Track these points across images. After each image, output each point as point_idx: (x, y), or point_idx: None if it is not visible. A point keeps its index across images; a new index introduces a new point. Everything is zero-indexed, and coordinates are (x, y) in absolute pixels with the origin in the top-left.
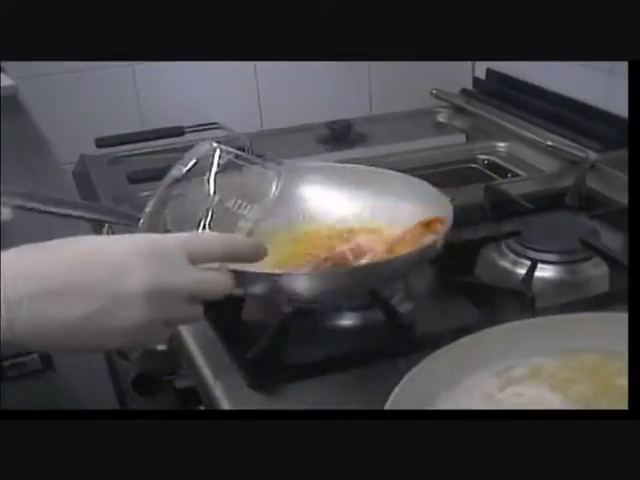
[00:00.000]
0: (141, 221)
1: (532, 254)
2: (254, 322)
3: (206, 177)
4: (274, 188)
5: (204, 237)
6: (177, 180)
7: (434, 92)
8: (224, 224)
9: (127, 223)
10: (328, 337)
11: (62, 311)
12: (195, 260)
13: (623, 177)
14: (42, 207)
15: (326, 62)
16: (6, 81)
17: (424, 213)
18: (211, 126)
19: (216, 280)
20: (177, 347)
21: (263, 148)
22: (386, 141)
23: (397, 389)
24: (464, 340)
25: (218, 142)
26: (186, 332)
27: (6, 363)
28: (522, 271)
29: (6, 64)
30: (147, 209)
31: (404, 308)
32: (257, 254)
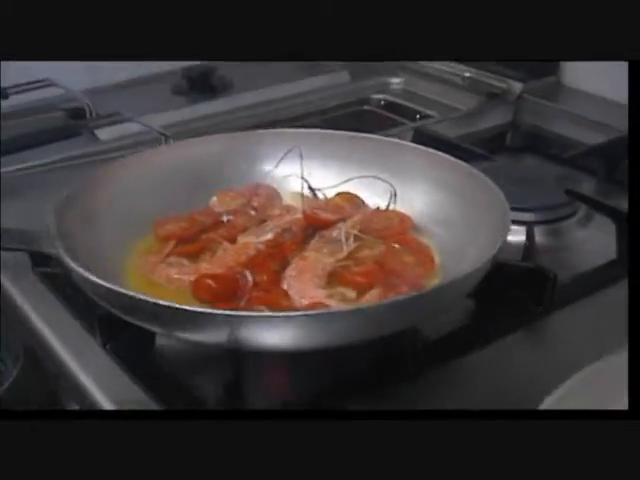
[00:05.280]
0: None
1: (518, 215)
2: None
3: None
4: None
5: None
6: None
7: None
8: None
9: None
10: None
11: None
12: None
13: (554, 108)
14: None
15: None
16: None
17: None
18: (41, 84)
19: None
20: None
21: (109, 106)
22: (255, 86)
23: None
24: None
25: None
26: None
27: None
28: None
29: None
30: None
31: None
32: None
